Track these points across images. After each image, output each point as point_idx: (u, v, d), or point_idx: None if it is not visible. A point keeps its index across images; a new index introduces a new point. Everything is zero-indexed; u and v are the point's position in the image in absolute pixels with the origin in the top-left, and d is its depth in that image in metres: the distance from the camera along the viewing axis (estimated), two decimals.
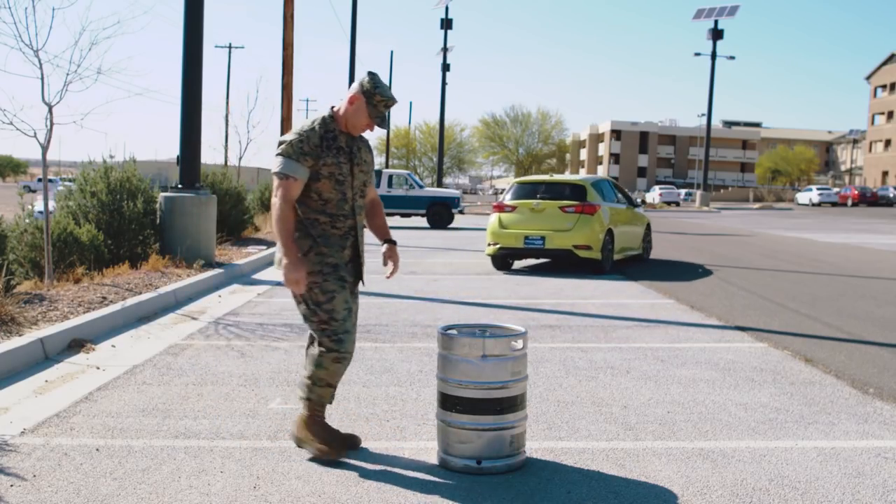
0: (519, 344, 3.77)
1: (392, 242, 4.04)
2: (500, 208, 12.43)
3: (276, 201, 3.71)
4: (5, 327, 6.03)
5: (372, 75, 3.80)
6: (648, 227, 14.55)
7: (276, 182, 3.74)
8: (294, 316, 7.81)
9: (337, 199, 3.81)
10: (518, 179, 13.38)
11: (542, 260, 13.40)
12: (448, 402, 3.74)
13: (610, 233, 12.20)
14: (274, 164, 3.77)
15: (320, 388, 3.81)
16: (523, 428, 3.80)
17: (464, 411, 3.69)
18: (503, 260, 12.54)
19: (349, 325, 3.79)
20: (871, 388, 5.37)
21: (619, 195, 13.65)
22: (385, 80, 3.92)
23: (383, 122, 3.82)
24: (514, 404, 3.72)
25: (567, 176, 14.16)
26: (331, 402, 3.91)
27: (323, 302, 3.75)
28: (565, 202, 11.99)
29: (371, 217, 4.11)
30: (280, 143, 3.79)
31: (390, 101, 3.77)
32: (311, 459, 3.81)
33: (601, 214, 12.00)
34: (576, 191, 12.21)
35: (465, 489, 3.52)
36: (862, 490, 3.56)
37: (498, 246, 12.19)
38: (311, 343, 3.88)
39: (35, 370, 5.46)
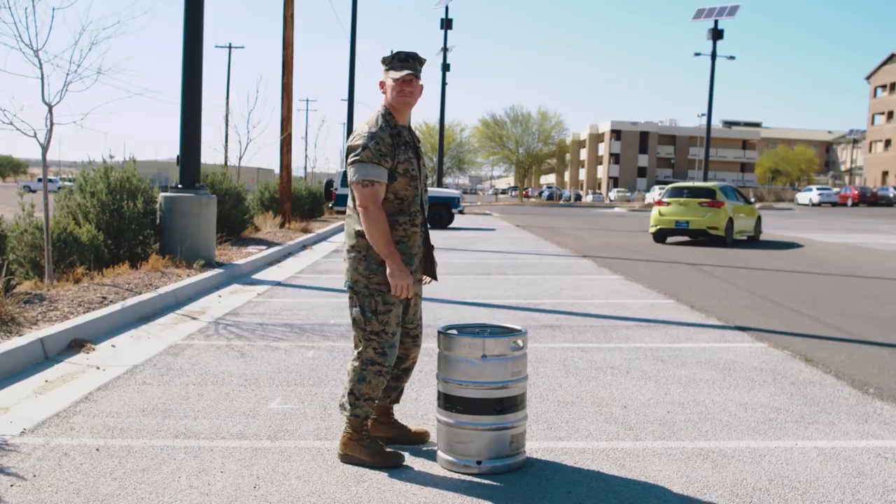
0: (519, 344, 3.77)
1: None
2: (660, 203, 19.12)
3: (368, 210, 3.61)
4: (5, 327, 6.03)
5: (381, 61, 3.84)
6: (759, 218, 20.47)
7: (359, 190, 3.62)
8: (294, 316, 7.81)
9: (412, 195, 3.79)
10: (671, 185, 20.51)
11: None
12: (448, 402, 3.74)
13: (731, 220, 18.31)
14: (352, 172, 3.66)
15: (364, 403, 3.77)
16: (523, 428, 3.80)
17: (464, 411, 3.69)
18: (661, 236, 19.19)
19: (395, 341, 3.79)
20: (871, 388, 5.37)
21: (739, 196, 19.71)
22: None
23: (407, 65, 3.76)
24: (514, 404, 3.72)
25: (703, 183, 22.16)
26: (373, 416, 3.90)
27: (381, 312, 3.74)
28: (702, 199, 18.38)
29: None
30: (352, 150, 3.69)
31: (398, 52, 3.78)
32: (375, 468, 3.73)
33: (725, 207, 18.18)
34: (709, 192, 18.54)
35: (465, 489, 3.52)
36: (862, 490, 3.56)
37: (658, 227, 18.88)
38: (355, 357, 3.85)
39: (35, 370, 5.46)
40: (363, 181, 3.62)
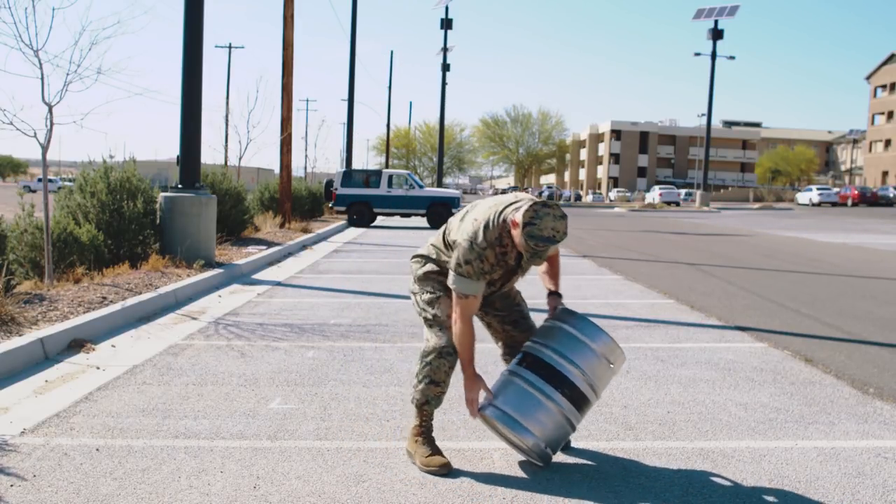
0: (611, 359, 3.81)
1: (558, 295, 4.09)
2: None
3: (458, 322, 3.74)
4: (5, 327, 6.03)
5: (535, 210, 3.50)
6: None
7: (456, 298, 3.75)
8: (294, 316, 7.82)
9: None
10: None
11: None
12: (551, 375, 3.69)
13: None
14: (454, 280, 3.74)
15: (426, 386, 3.83)
16: (564, 437, 3.77)
17: (545, 379, 3.68)
18: None
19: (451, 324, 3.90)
20: (871, 388, 5.37)
21: None
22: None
23: (536, 256, 3.59)
24: (579, 402, 3.72)
25: None
26: (437, 405, 3.89)
27: (430, 301, 3.92)
28: None
29: (548, 265, 4.15)
30: (463, 262, 3.67)
31: (541, 245, 3.51)
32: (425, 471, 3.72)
33: None
34: None
35: (465, 489, 3.53)
36: (862, 490, 3.56)
37: None
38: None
39: (35, 370, 5.46)
40: (462, 294, 3.75)
